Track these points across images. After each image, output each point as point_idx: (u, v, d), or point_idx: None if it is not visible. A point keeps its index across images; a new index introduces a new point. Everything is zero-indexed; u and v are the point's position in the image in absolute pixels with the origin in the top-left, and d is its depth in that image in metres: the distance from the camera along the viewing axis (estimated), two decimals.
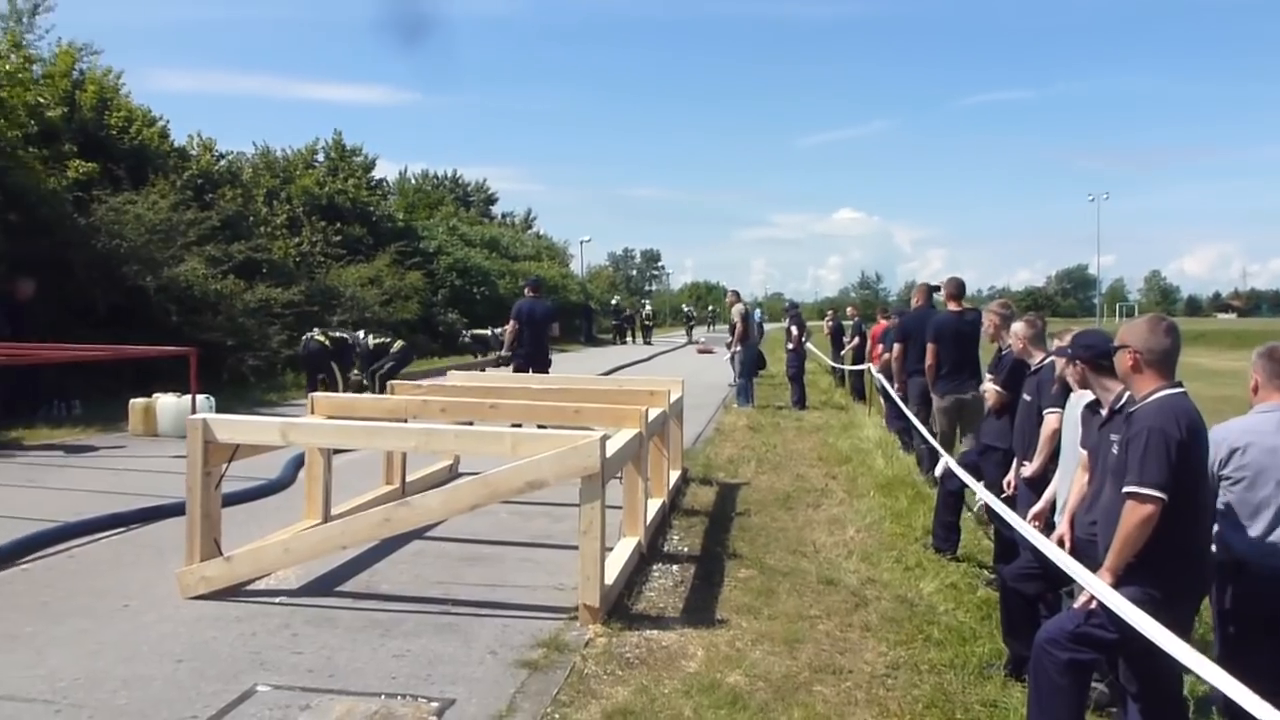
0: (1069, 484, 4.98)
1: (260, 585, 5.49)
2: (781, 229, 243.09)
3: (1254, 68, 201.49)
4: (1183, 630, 3.59)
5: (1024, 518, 5.26)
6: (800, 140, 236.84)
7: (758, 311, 23.29)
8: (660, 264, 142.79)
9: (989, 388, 6.54)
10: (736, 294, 17.85)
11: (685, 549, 6.75)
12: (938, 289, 10.48)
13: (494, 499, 4.95)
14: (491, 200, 65.06)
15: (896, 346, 10.94)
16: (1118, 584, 3.60)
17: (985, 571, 6.60)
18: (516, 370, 13.03)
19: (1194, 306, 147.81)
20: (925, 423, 9.46)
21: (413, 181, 56.50)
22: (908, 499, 8.21)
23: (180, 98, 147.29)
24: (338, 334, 16.17)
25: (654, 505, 7.27)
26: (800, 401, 16.35)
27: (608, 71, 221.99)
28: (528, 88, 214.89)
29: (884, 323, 14.79)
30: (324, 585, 5.61)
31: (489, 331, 25.45)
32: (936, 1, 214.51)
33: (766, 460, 10.44)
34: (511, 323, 13.36)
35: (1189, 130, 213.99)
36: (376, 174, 37.06)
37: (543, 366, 13.06)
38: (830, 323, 22.00)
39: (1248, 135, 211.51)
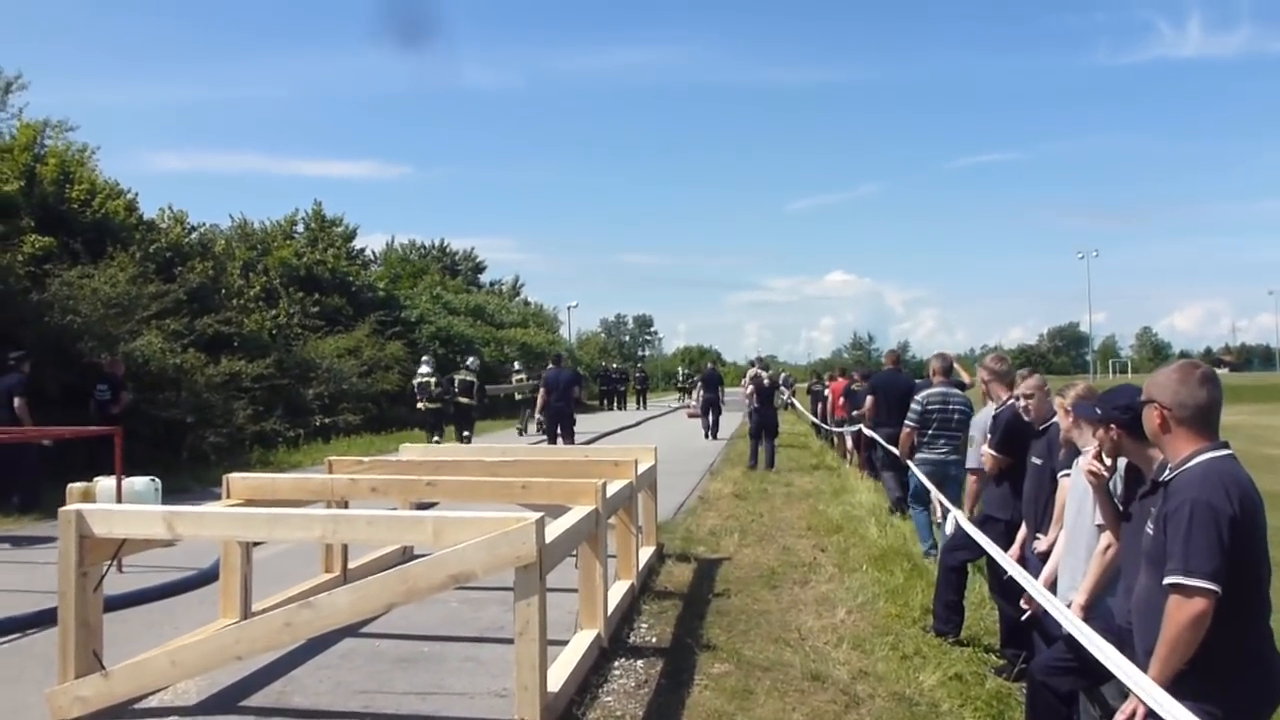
0: (1079, 559, 4.26)
1: (153, 701, 4.71)
2: (773, 292, 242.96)
3: (1233, 125, 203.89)
4: None
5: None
6: (789, 204, 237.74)
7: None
8: (653, 329, 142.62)
9: (986, 452, 5.83)
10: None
11: (654, 639, 5.96)
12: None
13: (414, 596, 4.20)
14: (479, 269, 64.80)
15: (869, 400, 12.27)
16: None
17: (993, 657, 5.83)
18: (546, 429, 16.68)
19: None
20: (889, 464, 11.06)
21: (399, 251, 56.28)
22: (904, 573, 7.44)
23: (169, 177, 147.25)
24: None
25: (620, 589, 6.51)
26: (754, 462, 16.11)
27: (597, 140, 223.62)
28: (518, 158, 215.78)
29: (843, 380, 17.66)
30: (227, 699, 4.81)
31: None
32: (921, 67, 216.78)
33: (751, 531, 9.67)
34: (541, 389, 16.68)
35: (1174, 187, 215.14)
36: (359, 244, 36.71)
37: (568, 424, 16.25)
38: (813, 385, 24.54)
39: (1231, 192, 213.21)
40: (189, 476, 14.47)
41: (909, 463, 8.87)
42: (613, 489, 6.30)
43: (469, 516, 4.22)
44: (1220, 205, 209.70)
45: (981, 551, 5.54)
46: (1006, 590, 5.28)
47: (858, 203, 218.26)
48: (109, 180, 20.68)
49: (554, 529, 4.51)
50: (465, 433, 20.51)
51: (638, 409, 41.38)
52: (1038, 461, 5.16)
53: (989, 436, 5.86)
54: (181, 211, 23.65)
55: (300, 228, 33.36)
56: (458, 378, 20.62)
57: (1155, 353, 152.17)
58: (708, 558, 8.40)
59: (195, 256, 21.96)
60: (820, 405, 21.75)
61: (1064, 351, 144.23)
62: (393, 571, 4.22)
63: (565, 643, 5.36)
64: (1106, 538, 4.09)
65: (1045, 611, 4.39)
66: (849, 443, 16.18)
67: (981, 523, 5.85)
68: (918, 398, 8.70)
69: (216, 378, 17.34)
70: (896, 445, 9.68)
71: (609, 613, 5.68)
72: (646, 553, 7.90)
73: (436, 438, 19.23)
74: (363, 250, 35.92)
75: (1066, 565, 4.37)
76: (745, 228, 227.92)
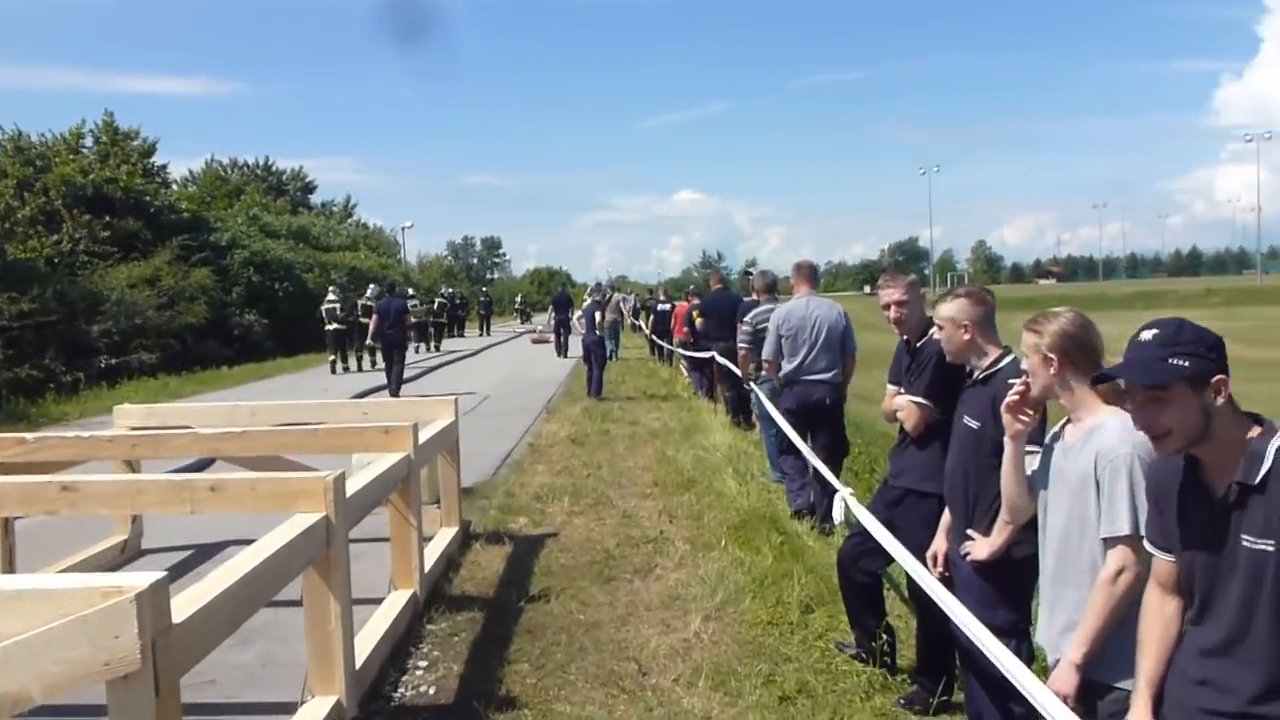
0: (1080, 587, 2.70)
1: None
2: (623, 212, 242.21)
3: (1062, 43, 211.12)
4: None
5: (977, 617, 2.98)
6: (638, 123, 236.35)
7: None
8: (501, 251, 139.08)
9: (903, 402, 4.17)
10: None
11: (431, 689, 4.18)
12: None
13: None
14: (309, 189, 60.50)
15: (699, 320, 13.48)
16: None
17: (900, 681, 4.28)
18: (384, 354, 16.57)
19: (1018, 274, 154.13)
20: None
21: (217, 169, 51.83)
22: (773, 550, 5.82)
23: None
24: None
25: (393, 608, 4.71)
26: (589, 389, 15.09)
27: (441, 58, 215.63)
28: (358, 75, 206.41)
29: (685, 305, 17.50)
30: None
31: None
32: None
33: (585, 492, 7.94)
34: (375, 316, 17.27)
35: (1006, 104, 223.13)
36: (168, 161, 33.06)
37: (401, 350, 16.45)
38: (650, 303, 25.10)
39: (1058, 109, 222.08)
40: None
41: (751, 385, 8.77)
42: (373, 472, 4.46)
43: (28, 589, 2.31)
44: (1047, 123, 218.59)
45: (889, 554, 3.94)
46: (924, 600, 3.69)
47: (707, 121, 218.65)
48: None
49: (198, 593, 2.62)
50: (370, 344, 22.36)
51: (481, 335, 39.00)
52: (973, 424, 3.51)
53: (911, 379, 4.19)
54: None
55: (89, 142, 29.52)
56: (360, 302, 22.31)
57: (989, 265, 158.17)
58: (528, 535, 6.65)
59: None
60: (653, 319, 23.03)
61: (904, 266, 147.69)
62: None
63: (291, 710, 3.58)
64: (1120, 557, 2.54)
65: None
66: (684, 366, 17.46)
67: (898, 499, 4.19)
68: (746, 318, 8.47)
69: None
70: (730, 359, 10.45)
71: (358, 664, 3.87)
72: (445, 537, 6.11)
73: (335, 355, 21.62)
74: (164, 167, 32.19)
75: (1059, 598, 2.78)
76: (594, 148, 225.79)
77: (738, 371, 9.62)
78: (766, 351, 7.22)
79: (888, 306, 4.33)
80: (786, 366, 6.92)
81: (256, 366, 23.91)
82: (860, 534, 4.33)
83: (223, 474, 3.97)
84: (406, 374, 16.97)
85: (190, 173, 50.02)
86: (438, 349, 28.53)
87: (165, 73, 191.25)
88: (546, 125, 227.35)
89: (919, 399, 4.05)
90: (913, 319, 4.27)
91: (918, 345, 4.20)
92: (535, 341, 30.32)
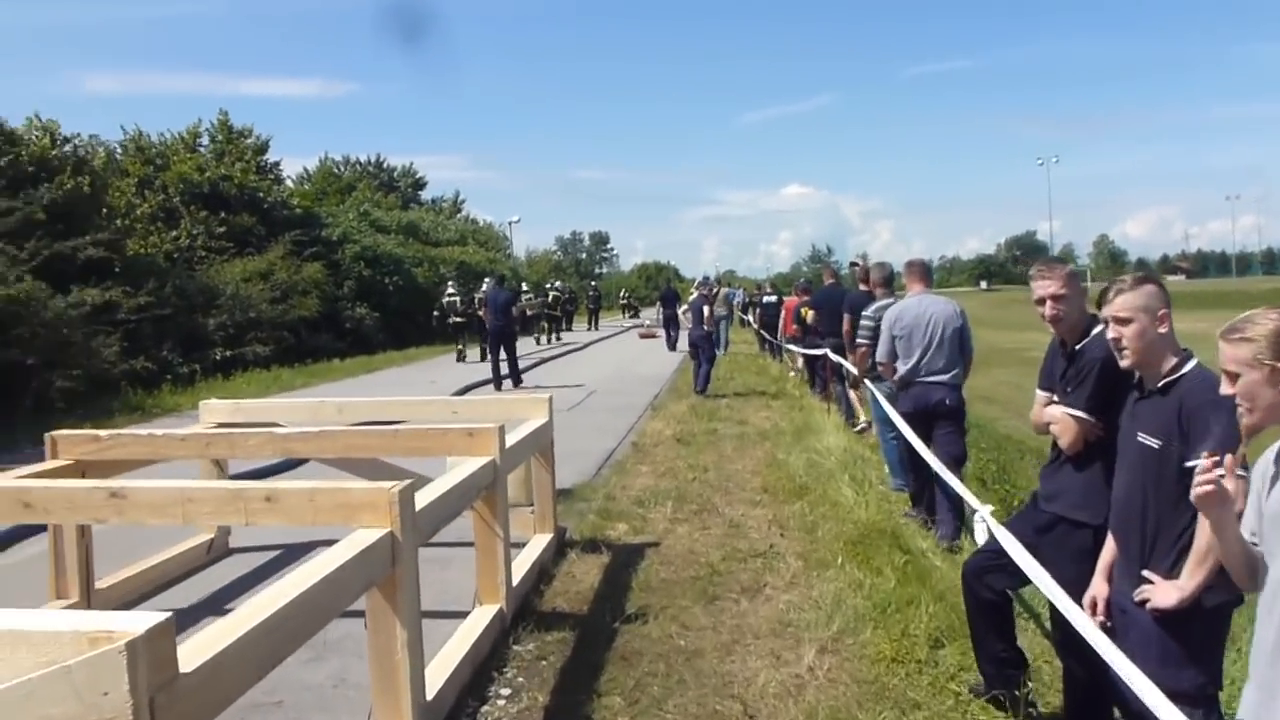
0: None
1: None
2: (730, 206, 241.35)
3: (1189, 29, 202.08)
4: None
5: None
6: (743, 117, 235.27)
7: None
8: (609, 246, 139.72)
9: (1058, 413, 3.54)
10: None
11: None
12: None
13: None
14: (420, 185, 61.46)
15: (811, 313, 13.28)
16: None
17: None
18: (490, 346, 17.26)
19: (1143, 270, 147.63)
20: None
21: (330, 167, 52.94)
22: (895, 572, 5.23)
23: (106, 100, 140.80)
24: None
25: (476, 625, 4.29)
26: (696, 385, 14.53)
27: (548, 55, 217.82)
28: (468, 75, 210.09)
29: (794, 299, 17.02)
30: None
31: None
32: None
33: (690, 497, 7.44)
34: (484, 309, 18.04)
35: (1128, 93, 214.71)
36: (281, 159, 33.69)
37: (510, 341, 16.63)
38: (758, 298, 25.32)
39: (1185, 97, 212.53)
40: (26, 431, 11.98)
41: (866, 382, 8.46)
42: (452, 480, 4.05)
43: (5, 630, 1.92)
44: (1174, 111, 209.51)
45: (1024, 575, 3.35)
46: (1076, 645, 3.09)
47: (813, 114, 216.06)
48: None
49: (219, 633, 2.21)
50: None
51: (589, 329, 38.78)
52: (1152, 443, 2.88)
53: (1067, 387, 3.54)
54: (52, 121, 20.67)
55: (205, 140, 30.25)
56: (477, 296, 22.45)
57: (1112, 260, 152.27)
58: (627, 544, 6.19)
59: (66, 171, 19.09)
60: (759, 313, 23.42)
61: (1022, 261, 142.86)
62: None
63: None
64: None
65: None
66: (799, 361, 16.40)
67: (1049, 525, 3.56)
68: (868, 312, 8.02)
69: (72, 310, 14.72)
70: (839, 353, 10.46)
71: (433, 693, 3.45)
72: (539, 545, 5.68)
73: (461, 345, 22.77)
74: (277, 164, 32.77)
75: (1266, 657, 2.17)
76: (699, 142, 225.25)
77: (851, 368, 9.14)
78: (880, 353, 6.97)
79: (1042, 301, 3.60)
80: (901, 368, 6.67)
81: (366, 359, 24.12)
82: (995, 550, 3.74)
83: (280, 483, 3.59)
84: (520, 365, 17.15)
85: (305, 170, 51.32)
86: (558, 339, 30.21)
87: (282, 75, 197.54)
88: (652, 120, 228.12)
89: (1078, 412, 3.41)
90: (1072, 316, 3.56)
91: (1077, 348, 3.54)
92: (643, 336, 30.12)
